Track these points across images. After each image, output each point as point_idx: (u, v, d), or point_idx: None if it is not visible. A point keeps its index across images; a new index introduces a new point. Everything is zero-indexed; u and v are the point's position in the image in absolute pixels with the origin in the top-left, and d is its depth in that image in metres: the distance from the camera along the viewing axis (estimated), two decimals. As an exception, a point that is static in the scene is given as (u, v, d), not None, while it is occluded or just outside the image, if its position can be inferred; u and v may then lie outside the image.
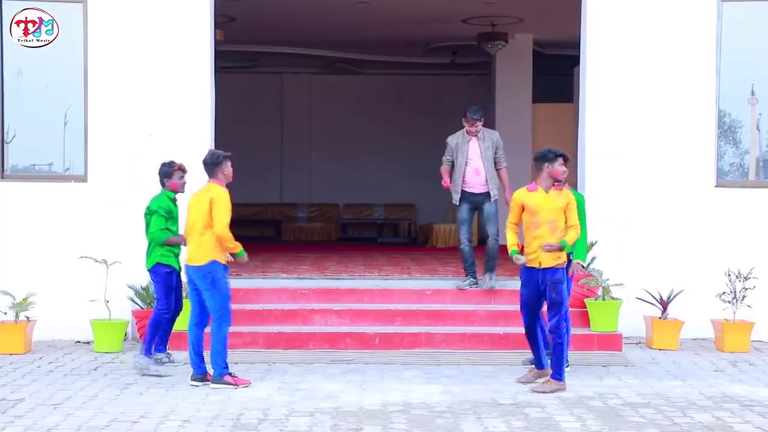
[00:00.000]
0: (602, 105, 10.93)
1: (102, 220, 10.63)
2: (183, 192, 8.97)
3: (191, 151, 9.67)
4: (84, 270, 10.06)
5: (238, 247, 8.28)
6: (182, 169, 8.98)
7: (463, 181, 10.62)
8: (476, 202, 10.68)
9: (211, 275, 8.12)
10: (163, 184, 9.02)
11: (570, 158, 8.33)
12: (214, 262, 8.13)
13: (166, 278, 8.90)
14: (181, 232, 8.82)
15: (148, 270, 9.02)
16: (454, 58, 19.48)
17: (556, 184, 8.20)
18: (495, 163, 10.61)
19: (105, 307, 9.86)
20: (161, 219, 8.83)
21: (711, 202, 10.94)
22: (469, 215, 10.74)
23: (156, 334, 8.87)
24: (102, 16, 10.68)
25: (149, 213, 8.97)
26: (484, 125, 10.67)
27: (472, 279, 10.81)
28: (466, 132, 10.59)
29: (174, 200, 9.00)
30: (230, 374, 8.20)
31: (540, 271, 8.12)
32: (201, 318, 8.36)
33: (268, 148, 20.83)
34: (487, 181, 10.57)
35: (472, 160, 10.58)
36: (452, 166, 10.68)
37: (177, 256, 8.96)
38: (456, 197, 10.71)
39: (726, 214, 10.93)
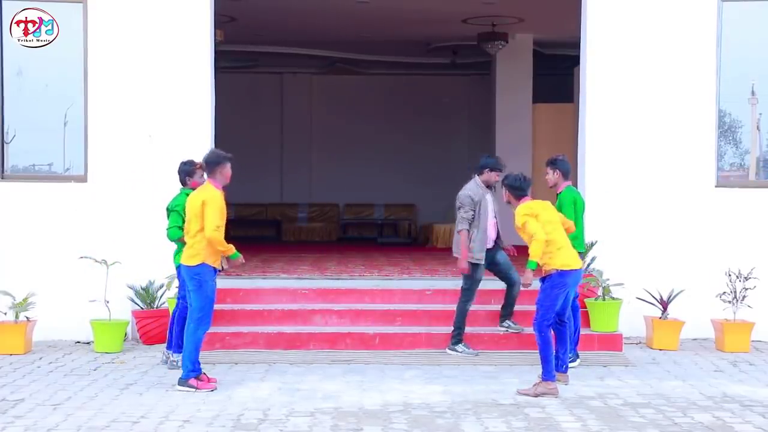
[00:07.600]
0: (602, 105, 10.93)
1: (102, 220, 10.63)
2: None
3: (191, 151, 9.66)
4: (84, 270, 10.06)
5: (230, 250, 8.13)
6: (203, 168, 8.74)
7: None
8: None
9: (198, 277, 8.03)
10: (183, 183, 8.99)
11: None
12: (203, 265, 8.03)
13: None
14: None
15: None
16: (454, 58, 19.46)
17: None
18: None
19: (105, 307, 9.86)
20: (178, 217, 8.77)
21: (711, 203, 10.94)
22: None
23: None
24: (102, 16, 10.69)
25: (167, 211, 8.92)
26: None
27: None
28: None
29: None
30: (197, 378, 8.10)
31: None
32: None
33: (268, 148, 20.82)
34: None
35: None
36: None
37: None
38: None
39: (726, 214, 10.92)
